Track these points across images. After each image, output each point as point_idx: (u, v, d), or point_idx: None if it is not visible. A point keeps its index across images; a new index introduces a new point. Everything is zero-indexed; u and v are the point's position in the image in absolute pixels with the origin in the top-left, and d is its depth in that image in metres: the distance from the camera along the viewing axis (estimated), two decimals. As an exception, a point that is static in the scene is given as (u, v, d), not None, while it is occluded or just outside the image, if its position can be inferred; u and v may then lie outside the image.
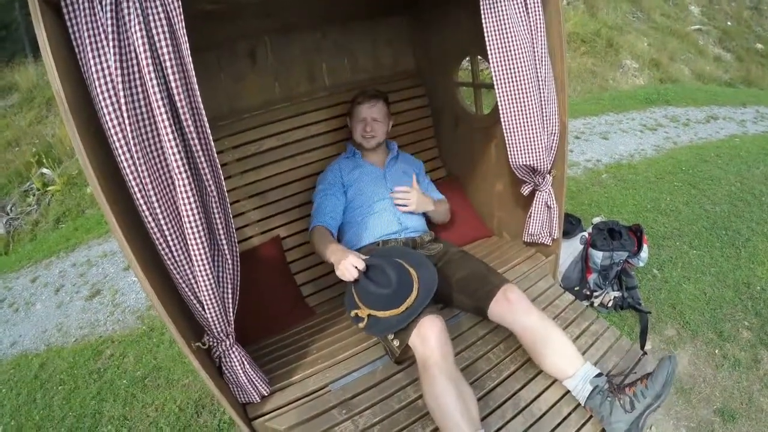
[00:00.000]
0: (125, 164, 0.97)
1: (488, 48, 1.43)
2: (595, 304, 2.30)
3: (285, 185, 2.08)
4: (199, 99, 1.02)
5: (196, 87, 1.01)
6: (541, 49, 1.48)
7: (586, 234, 2.26)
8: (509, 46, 1.42)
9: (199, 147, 1.05)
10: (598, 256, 2.20)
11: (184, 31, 0.96)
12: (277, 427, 1.39)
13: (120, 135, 0.95)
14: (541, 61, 1.49)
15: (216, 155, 1.08)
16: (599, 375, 1.40)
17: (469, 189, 2.29)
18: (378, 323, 1.44)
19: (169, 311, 1.14)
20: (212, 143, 1.06)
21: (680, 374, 2.02)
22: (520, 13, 1.41)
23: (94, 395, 2.27)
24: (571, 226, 2.32)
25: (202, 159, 1.06)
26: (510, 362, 1.56)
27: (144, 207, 1.01)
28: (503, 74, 1.46)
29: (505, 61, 1.44)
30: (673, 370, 1.31)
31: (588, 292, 2.29)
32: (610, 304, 2.28)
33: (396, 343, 1.43)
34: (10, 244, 4.12)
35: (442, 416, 1.25)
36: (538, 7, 1.43)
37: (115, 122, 0.94)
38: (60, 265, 3.44)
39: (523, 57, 1.43)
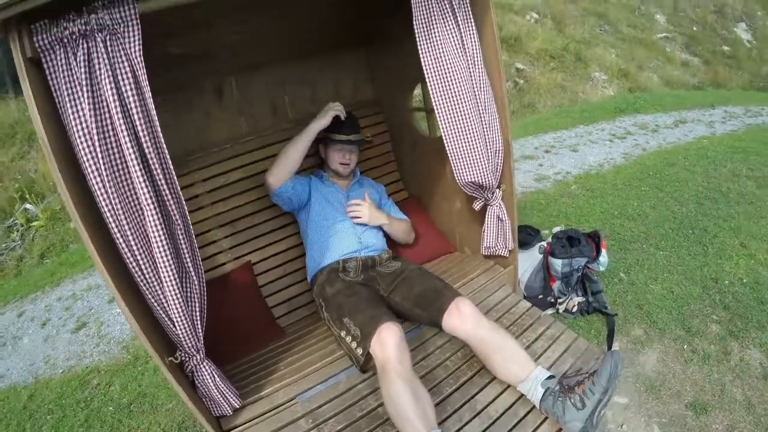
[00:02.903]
0: (101, 199, 1.10)
1: (426, 76, 1.55)
2: (560, 311, 2.39)
3: (254, 213, 2.18)
4: (162, 139, 1.14)
5: (159, 129, 1.13)
6: (479, 74, 1.60)
7: (544, 244, 2.36)
8: (446, 74, 1.54)
9: (164, 182, 1.17)
10: (557, 263, 2.30)
11: (146, 80, 1.09)
12: None
13: (96, 174, 1.08)
14: (480, 86, 1.62)
15: (179, 189, 1.21)
16: (551, 377, 1.46)
17: (430, 208, 2.40)
18: None
19: (143, 328, 1.24)
20: (175, 178, 1.19)
21: (649, 372, 2.03)
22: (455, 42, 1.53)
23: (82, 423, 2.32)
24: (529, 237, 2.43)
25: (167, 193, 1.19)
26: (467, 369, 1.65)
27: (118, 236, 1.14)
28: (442, 100, 1.58)
29: (443, 87, 1.56)
30: (617, 364, 1.38)
31: (552, 300, 2.38)
32: (574, 309, 2.36)
33: (359, 351, 1.52)
34: (-5, 279, 4.17)
35: (398, 417, 1.33)
36: (473, 35, 1.56)
37: (91, 162, 1.08)
38: (45, 299, 3.50)
39: (460, 83, 1.55)
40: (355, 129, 2.09)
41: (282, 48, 2.06)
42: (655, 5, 9.30)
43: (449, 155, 1.67)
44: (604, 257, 2.36)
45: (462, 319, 1.58)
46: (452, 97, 1.56)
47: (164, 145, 1.15)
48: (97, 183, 1.09)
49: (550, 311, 2.38)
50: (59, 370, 2.77)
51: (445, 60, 1.53)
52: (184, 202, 1.23)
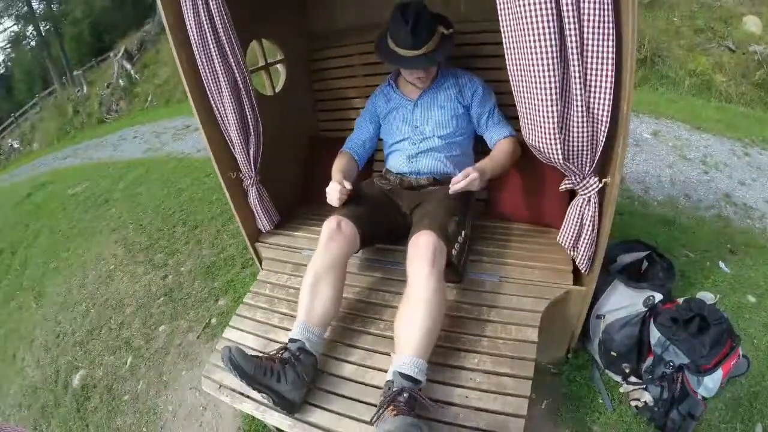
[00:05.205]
0: (202, 73, 1.66)
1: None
2: (622, 392, 1.80)
3: None
4: (232, 33, 1.61)
5: (230, 25, 1.60)
6: (589, 26, 1.10)
7: (655, 296, 1.74)
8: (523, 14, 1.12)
9: (233, 62, 1.67)
10: (654, 334, 1.69)
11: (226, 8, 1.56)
12: (261, 251, 2.04)
13: (198, 55, 1.62)
14: (578, 22, 1.10)
15: (245, 67, 1.70)
16: (406, 376, 1.24)
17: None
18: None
19: (215, 151, 1.80)
20: (242, 60, 1.69)
21: None
22: None
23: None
24: (658, 276, 1.85)
25: (236, 68, 1.68)
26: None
27: (209, 93, 1.71)
28: (512, 40, 1.21)
29: (514, 27, 1.18)
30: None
31: (628, 370, 1.78)
32: (635, 405, 1.74)
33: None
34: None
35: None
36: None
37: (196, 50, 1.62)
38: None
39: (540, 28, 1.10)
40: (417, 41, 1.65)
41: None
42: None
43: (516, 103, 1.32)
44: (714, 381, 1.58)
45: (414, 252, 1.43)
46: (524, 32, 1.14)
47: (234, 37, 1.62)
48: (199, 61, 1.64)
49: (617, 378, 1.84)
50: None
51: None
52: (247, 77, 1.71)
